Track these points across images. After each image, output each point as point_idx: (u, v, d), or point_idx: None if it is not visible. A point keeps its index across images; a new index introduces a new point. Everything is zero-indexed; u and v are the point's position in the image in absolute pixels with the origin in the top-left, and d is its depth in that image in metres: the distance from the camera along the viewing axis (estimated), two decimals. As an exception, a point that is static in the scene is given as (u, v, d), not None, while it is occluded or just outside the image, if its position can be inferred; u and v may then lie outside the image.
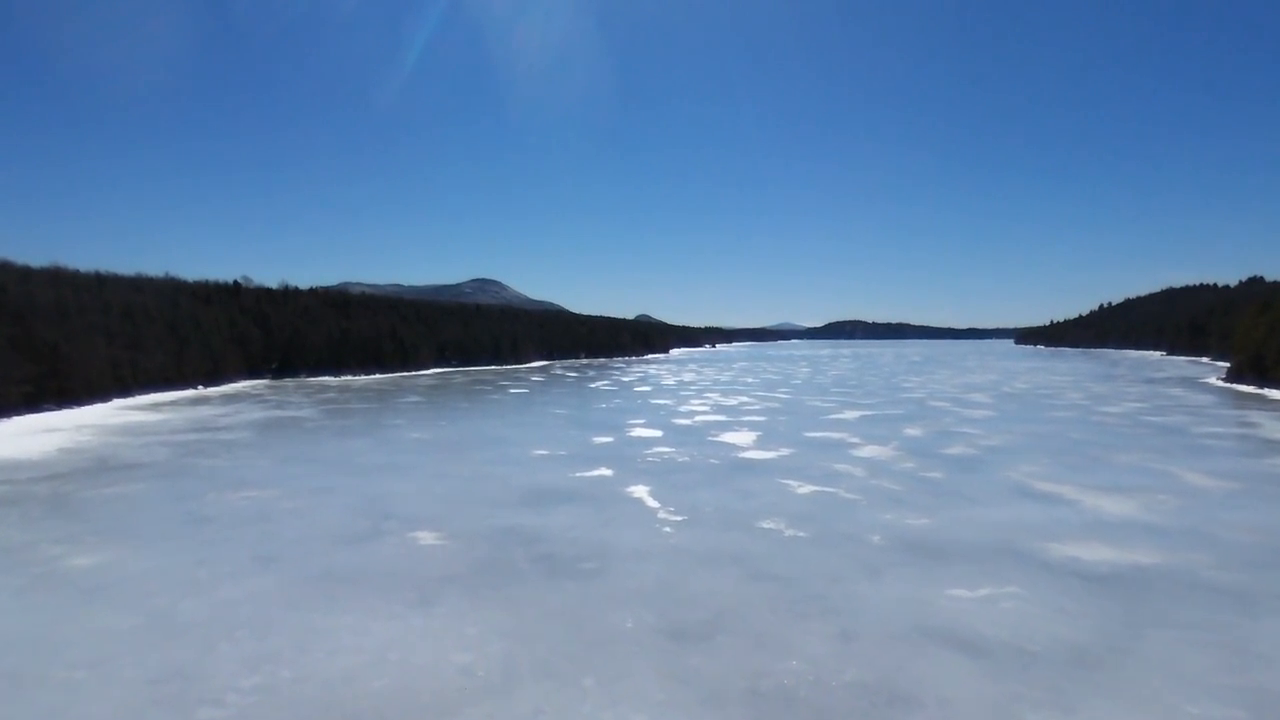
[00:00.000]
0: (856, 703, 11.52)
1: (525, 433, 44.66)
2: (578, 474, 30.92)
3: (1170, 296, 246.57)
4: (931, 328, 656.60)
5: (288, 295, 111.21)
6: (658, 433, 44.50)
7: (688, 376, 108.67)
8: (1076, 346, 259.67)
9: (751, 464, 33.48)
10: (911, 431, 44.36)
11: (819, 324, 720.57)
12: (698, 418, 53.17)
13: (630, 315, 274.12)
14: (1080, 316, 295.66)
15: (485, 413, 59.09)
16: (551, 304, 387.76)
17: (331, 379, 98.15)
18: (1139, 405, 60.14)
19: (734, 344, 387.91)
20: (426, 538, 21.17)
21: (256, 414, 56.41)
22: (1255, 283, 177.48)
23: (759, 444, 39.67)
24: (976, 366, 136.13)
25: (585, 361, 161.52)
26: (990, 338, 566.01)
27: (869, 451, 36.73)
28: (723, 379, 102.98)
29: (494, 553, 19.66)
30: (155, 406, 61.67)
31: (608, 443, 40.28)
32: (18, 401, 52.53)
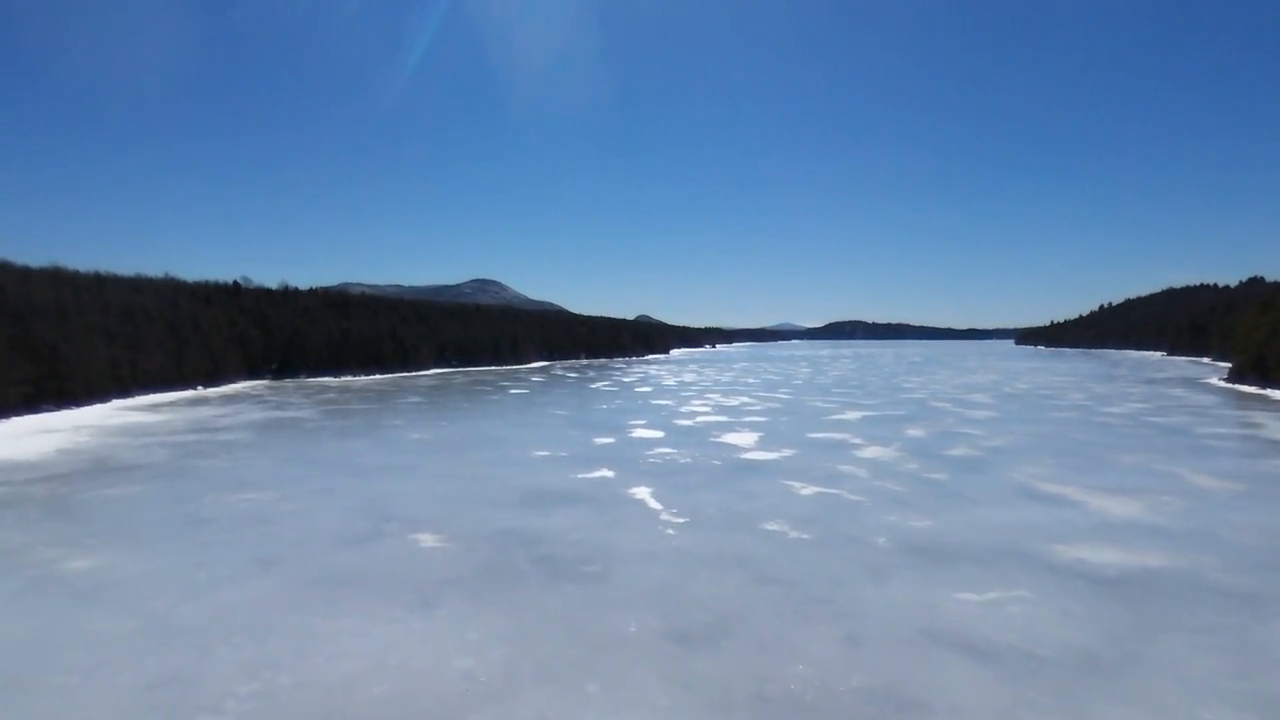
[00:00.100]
0: (864, 708, 11.34)
1: (526, 433, 44.49)
2: (579, 475, 30.74)
3: (1170, 297, 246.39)
4: (931, 328, 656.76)
5: (287, 296, 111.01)
6: (659, 433, 44.32)
7: (688, 377, 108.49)
8: (1077, 347, 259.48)
9: (754, 465, 33.30)
10: (914, 432, 44.18)
11: (819, 324, 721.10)
12: (699, 418, 52.99)
13: (630, 315, 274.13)
14: (1080, 317, 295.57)
15: (486, 413, 58.91)
16: (551, 304, 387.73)
17: (331, 379, 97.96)
18: (1141, 406, 59.97)
19: (734, 344, 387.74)
20: (427, 540, 20.99)
21: (256, 415, 56.23)
22: (1256, 283, 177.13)
23: (761, 445, 39.49)
24: (977, 367, 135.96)
25: (585, 362, 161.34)
26: (990, 338, 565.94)
27: (872, 452, 36.55)
28: (723, 379, 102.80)
29: (495, 555, 19.48)
30: (154, 407, 61.49)
31: (609, 443, 40.10)
32: (16, 402, 52.35)
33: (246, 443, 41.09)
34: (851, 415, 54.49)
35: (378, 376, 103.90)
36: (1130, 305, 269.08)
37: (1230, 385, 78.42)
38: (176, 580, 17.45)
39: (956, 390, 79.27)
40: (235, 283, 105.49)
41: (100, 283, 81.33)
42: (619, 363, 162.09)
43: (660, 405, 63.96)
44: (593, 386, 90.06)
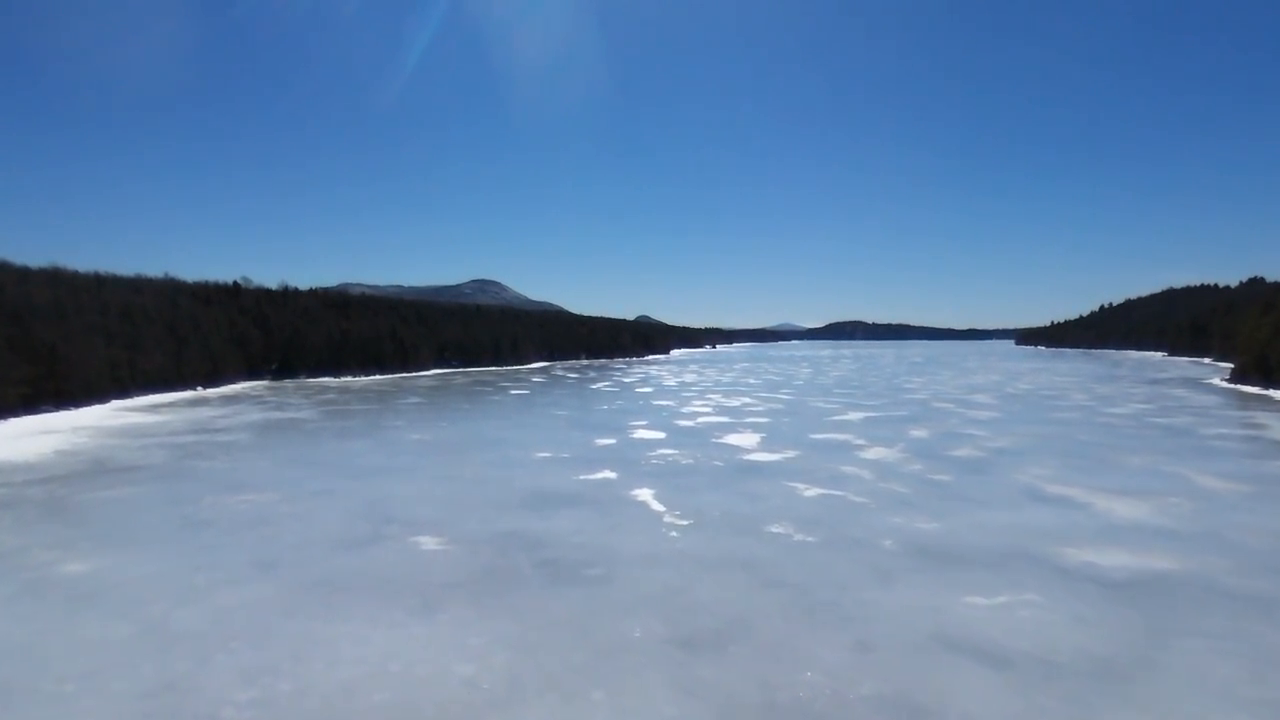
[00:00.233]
0: (876, 717, 11.09)
1: (527, 434, 44.24)
2: (581, 476, 30.50)
3: (1171, 297, 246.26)
4: (932, 328, 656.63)
5: (287, 296, 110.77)
6: (661, 434, 44.07)
7: (689, 377, 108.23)
8: (1077, 347, 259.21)
9: (757, 466, 33.05)
10: (917, 433, 43.93)
11: (819, 325, 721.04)
12: (700, 419, 52.74)
13: (630, 316, 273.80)
14: (1081, 317, 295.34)
15: (486, 414, 58.66)
16: (551, 304, 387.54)
17: (331, 380, 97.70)
18: (1144, 406, 59.73)
19: (734, 345, 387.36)
20: (428, 542, 20.75)
21: (256, 415, 55.98)
22: (1256, 283, 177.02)
23: (763, 446, 39.24)
24: (978, 367, 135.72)
25: (586, 362, 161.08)
26: (991, 338, 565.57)
27: (875, 453, 36.30)
28: (724, 380, 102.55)
29: (497, 558, 19.23)
30: (154, 408, 61.23)
31: (610, 444, 39.85)
32: (15, 403, 52.09)
33: (246, 444, 40.84)
34: (854, 416, 54.24)
35: (378, 377, 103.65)
36: (1131, 306, 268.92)
37: (1233, 386, 78.17)
38: (174, 584, 17.20)
39: (958, 391, 79.03)
40: (235, 283, 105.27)
41: (99, 283, 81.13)
42: (619, 363, 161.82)
43: (661, 406, 63.70)
44: (593, 387, 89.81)
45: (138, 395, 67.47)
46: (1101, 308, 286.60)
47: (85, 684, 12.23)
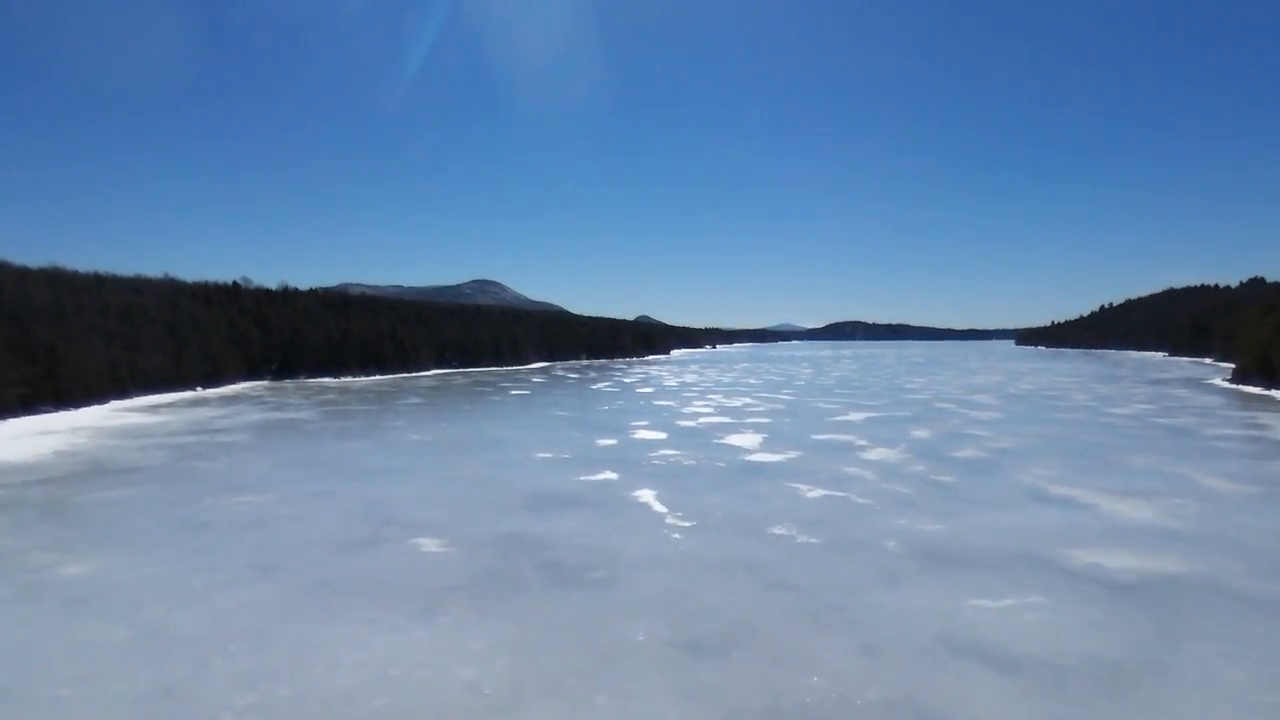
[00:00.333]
0: (884, 723, 10.93)
1: (527, 435, 44.07)
2: (582, 477, 30.33)
3: (1171, 297, 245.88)
4: (932, 329, 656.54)
5: (287, 296, 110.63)
6: (662, 435, 43.90)
7: (690, 378, 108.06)
8: (1078, 347, 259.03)
9: (759, 467, 32.88)
10: (919, 433, 43.77)
11: (819, 325, 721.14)
12: (702, 420, 52.57)
13: (630, 316, 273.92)
14: (1081, 317, 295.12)
15: (487, 414, 58.50)
16: (551, 305, 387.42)
17: (331, 380, 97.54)
18: (1146, 407, 59.56)
19: (734, 345, 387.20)
20: (429, 544, 20.58)
21: (255, 416, 55.81)
22: (1256, 283, 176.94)
23: (765, 446, 39.07)
24: (979, 367, 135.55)
25: (586, 362, 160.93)
26: (991, 339, 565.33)
27: (878, 454, 36.13)
28: (725, 380, 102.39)
29: (498, 561, 19.07)
30: (153, 408, 61.07)
31: (611, 445, 39.69)
32: (14, 403, 51.93)
33: (245, 444, 40.68)
34: (855, 416, 54.07)
35: (378, 377, 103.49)
36: (1131, 306, 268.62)
37: (1234, 386, 78.01)
38: (172, 587, 17.03)
39: (960, 391, 78.86)
40: (235, 283, 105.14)
41: (99, 283, 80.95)
42: (619, 363, 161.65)
43: (662, 406, 63.54)
44: (594, 387, 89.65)
45: (137, 396, 67.31)
46: (1102, 308, 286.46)
47: (82, 689, 12.07)
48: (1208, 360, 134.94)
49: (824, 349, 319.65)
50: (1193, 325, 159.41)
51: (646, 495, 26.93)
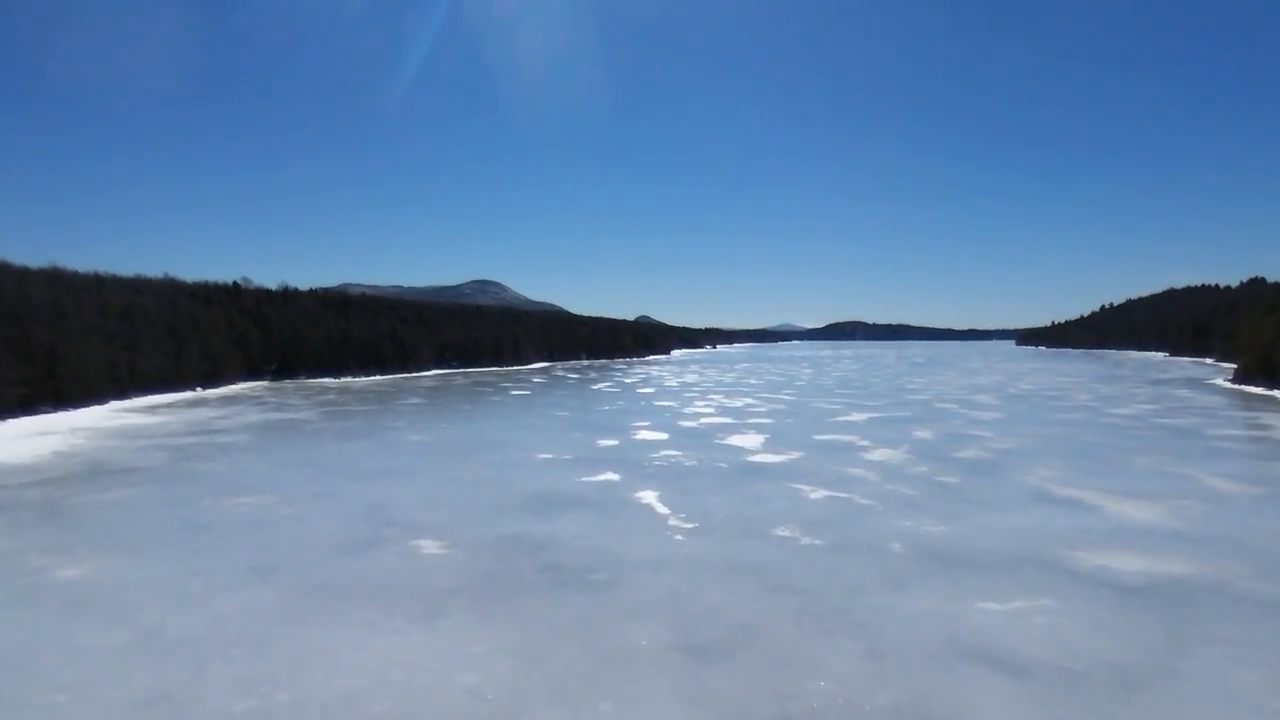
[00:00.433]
0: (892, 729, 10.76)
1: (528, 435, 43.91)
2: (583, 478, 30.16)
3: (1172, 297, 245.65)
4: (932, 329, 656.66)
5: (287, 296, 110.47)
6: (663, 435, 43.74)
7: (690, 378, 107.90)
8: (1078, 347, 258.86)
9: (761, 468, 32.71)
10: (921, 434, 43.60)
11: (819, 325, 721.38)
12: (703, 420, 52.41)
13: (630, 316, 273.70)
14: (1082, 317, 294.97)
15: (487, 415, 58.34)
16: (552, 305, 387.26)
17: (331, 380, 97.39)
18: (1149, 407, 59.39)
19: (735, 345, 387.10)
20: (429, 546, 20.41)
21: (255, 416, 55.65)
22: (1257, 283, 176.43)
23: (767, 447, 38.91)
24: (980, 368, 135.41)
25: (586, 363, 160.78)
26: (991, 339, 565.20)
27: (880, 455, 35.96)
28: (726, 380, 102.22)
29: (499, 563, 18.90)
30: (152, 409, 60.91)
31: (613, 446, 39.52)
32: (12, 404, 51.77)
33: (245, 445, 40.51)
34: (857, 417, 53.90)
35: (378, 377, 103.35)
36: (1131, 306, 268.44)
37: (1236, 386, 77.84)
38: (170, 589, 16.87)
39: (961, 391, 78.70)
40: (235, 283, 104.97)
41: (99, 283, 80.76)
42: (620, 363, 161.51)
43: (663, 407, 63.37)
44: (594, 388, 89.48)
45: (136, 396, 67.15)
46: (1102, 308, 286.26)
47: (78, 694, 11.90)
48: (1209, 360, 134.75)
49: (824, 349, 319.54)
50: (1193, 325, 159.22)
51: (648, 496, 26.77)
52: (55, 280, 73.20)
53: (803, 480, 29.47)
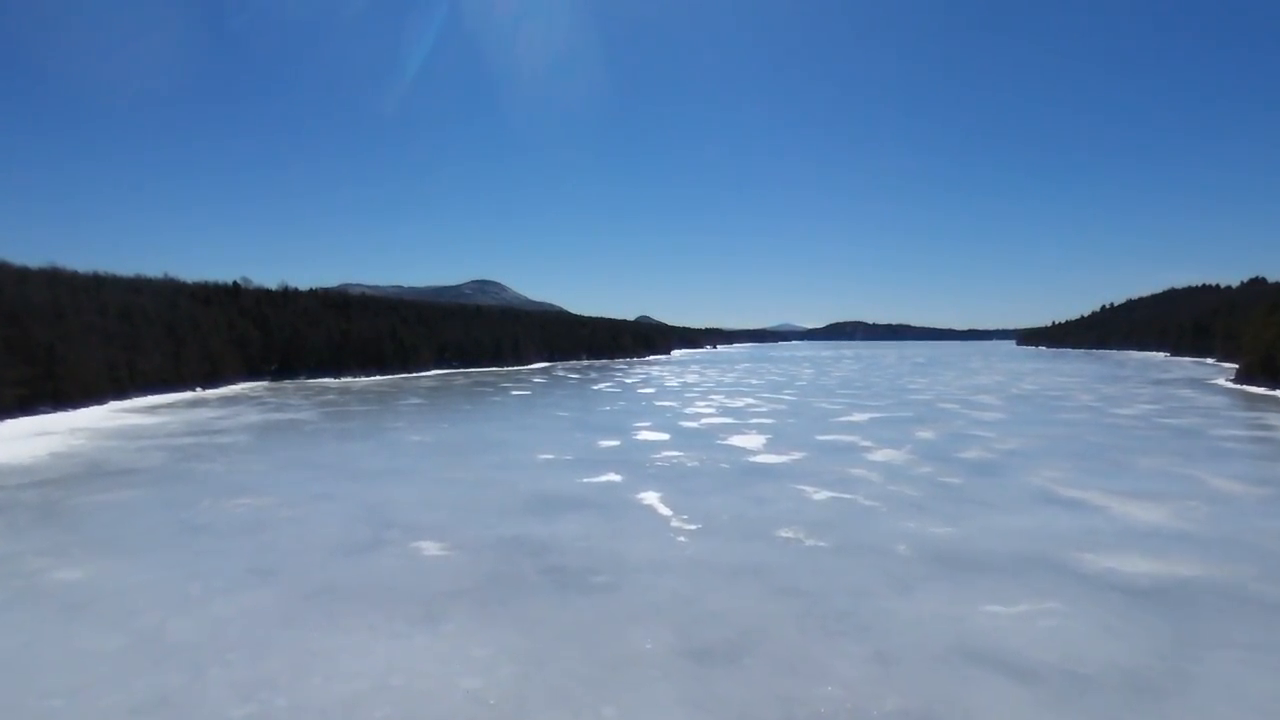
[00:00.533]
0: (901, 735, 10.58)
1: (529, 436, 43.73)
2: (585, 479, 29.99)
3: (1172, 297, 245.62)
4: (932, 329, 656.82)
5: (287, 296, 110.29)
6: (664, 436, 43.56)
7: (691, 378, 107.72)
8: (1079, 347, 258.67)
9: (763, 468, 32.54)
10: (924, 434, 43.42)
11: (820, 325, 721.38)
12: (704, 420, 52.23)
13: (631, 316, 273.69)
14: (1082, 317, 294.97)
15: (488, 415, 58.16)
16: (552, 305, 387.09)
17: (331, 381, 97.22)
18: (1152, 407, 59.21)
19: (735, 345, 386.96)
20: (430, 548, 20.24)
21: (255, 417, 55.47)
22: (1257, 283, 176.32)
23: (769, 447, 38.73)
24: (981, 368, 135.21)
25: (586, 363, 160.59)
26: (991, 339, 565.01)
27: (883, 455, 35.77)
28: (726, 380, 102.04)
29: (501, 565, 18.72)
30: (152, 409, 60.73)
31: (614, 446, 39.35)
32: (11, 404, 51.58)
33: (244, 446, 40.33)
34: (859, 417, 53.73)
35: (378, 378, 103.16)
36: (1132, 306, 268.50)
37: (1238, 386, 77.67)
38: (168, 592, 16.69)
39: (963, 391, 78.51)
40: (235, 283, 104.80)
41: (99, 283, 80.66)
42: (620, 363, 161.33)
43: (664, 407, 63.19)
44: (595, 388, 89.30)
45: (136, 396, 66.96)
46: (1103, 308, 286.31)
47: (74, 699, 11.72)
48: (1210, 360, 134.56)
49: (824, 349, 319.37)
50: (1194, 325, 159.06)
51: (651, 497, 26.59)
52: (55, 280, 73.09)
53: (805, 481, 29.30)
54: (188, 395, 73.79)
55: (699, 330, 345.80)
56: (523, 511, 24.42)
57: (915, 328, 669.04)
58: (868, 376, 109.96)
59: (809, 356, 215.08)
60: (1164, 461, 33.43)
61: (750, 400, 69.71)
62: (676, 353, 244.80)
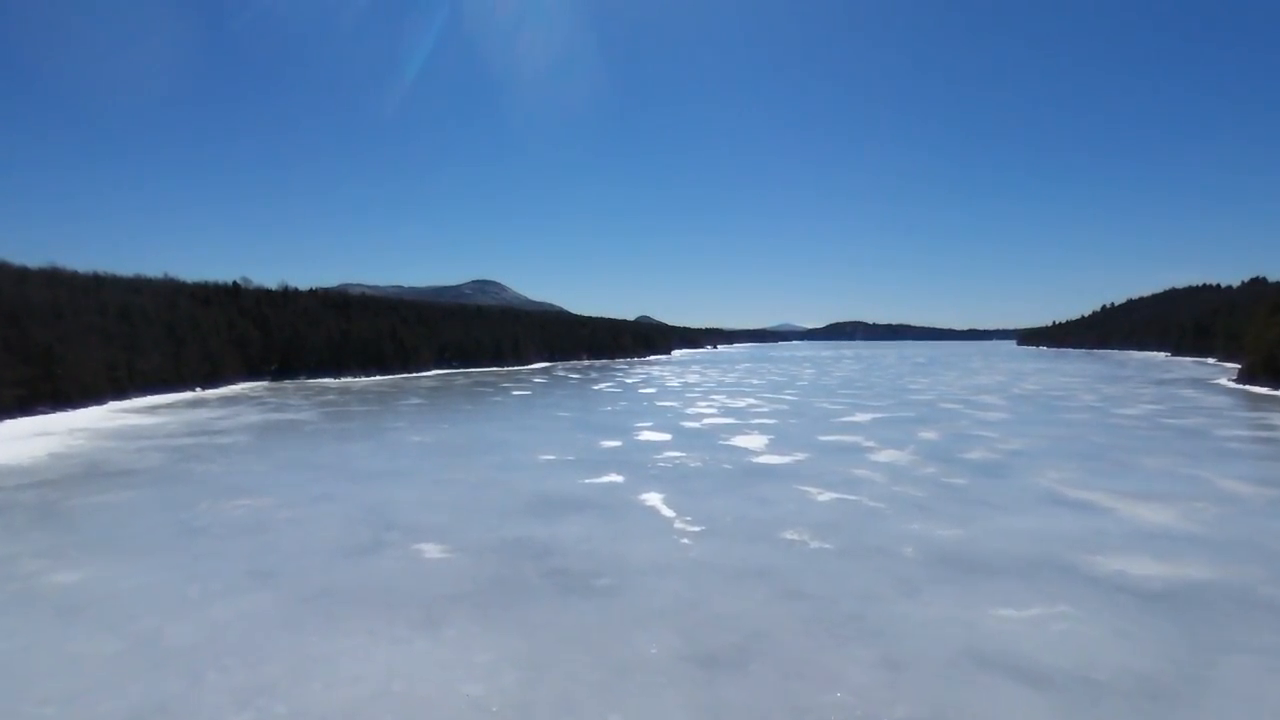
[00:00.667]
0: (913, 743, 10.37)
1: (530, 436, 43.51)
2: (586, 480, 29.77)
3: (1173, 297, 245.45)
4: (932, 329, 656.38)
5: (287, 296, 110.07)
6: (666, 436, 43.34)
7: (692, 378, 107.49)
8: (1079, 347, 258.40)
9: (766, 469, 32.32)
10: (927, 435, 43.19)
11: (820, 325, 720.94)
12: (706, 420, 52.00)
13: (631, 316, 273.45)
14: (1083, 317, 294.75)
15: (488, 415, 57.94)
16: (552, 305, 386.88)
17: (331, 381, 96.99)
18: (1155, 407, 58.99)
19: (735, 345, 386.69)
20: (431, 550, 20.02)
21: (254, 417, 55.25)
22: (1258, 283, 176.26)
23: (771, 448, 38.51)
24: (982, 368, 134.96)
25: (587, 363, 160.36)
26: (992, 339, 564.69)
27: (886, 456, 35.55)
28: (727, 380, 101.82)
29: (503, 568, 18.50)
30: (151, 409, 60.51)
31: (615, 447, 39.13)
32: (10, 404, 51.37)
33: (244, 446, 40.11)
34: (861, 417, 53.50)
35: (378, 378, 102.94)
36: (1132, 306, 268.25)
37: (1240, 386, 77.43)
38: (166, 595, 16.47)
39: (965, 391, 78.28)
40: (235, 283, 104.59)
41: (98, 283, 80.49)
42: (620, 364, 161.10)
43: (665, 407, 62.97)
44: (595, 388, 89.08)
45: (135, 396, 66.75)
46: (1103, 308, 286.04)
47: (69, 705, 11.50)
48: (1211, 360, 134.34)
49: (825, 349, 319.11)
50: (1195, 325, 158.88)
51: (653, 499, 26.38)
52: (54, 280, 72.92)
53: (809, 482, 29.08)
54: (187, 395, 73.57)
55: (699, 330, 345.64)
56: (524, 513, 24.20)
57: (915, 328, 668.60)
58: (869, 376, 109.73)
59: (809, 357, 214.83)
60: (1170, 462, 33.21)
61: (752, 400, 69.49)
62: (677, 353, 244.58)
